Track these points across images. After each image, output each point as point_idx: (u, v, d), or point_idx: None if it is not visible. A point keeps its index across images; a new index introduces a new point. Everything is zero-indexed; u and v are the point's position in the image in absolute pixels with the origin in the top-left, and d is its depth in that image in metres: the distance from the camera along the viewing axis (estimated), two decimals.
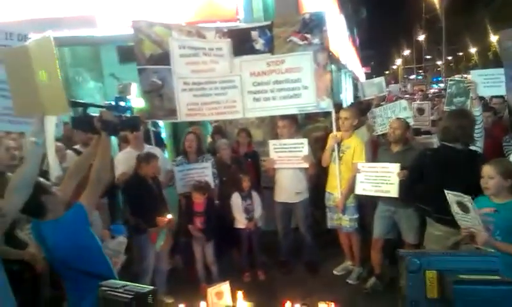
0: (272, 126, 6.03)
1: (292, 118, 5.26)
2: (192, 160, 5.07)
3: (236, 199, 4.98)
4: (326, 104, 4.82)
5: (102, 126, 2.59)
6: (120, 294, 1.03)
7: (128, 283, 1.08)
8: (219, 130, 6.45)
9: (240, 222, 4.96)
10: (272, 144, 5.14)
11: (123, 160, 4.70)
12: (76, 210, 2.53)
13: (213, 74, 4.99)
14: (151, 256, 4.37)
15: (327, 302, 3.82)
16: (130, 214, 4.53)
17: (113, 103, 2.71)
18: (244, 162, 5.47)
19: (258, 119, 6.43)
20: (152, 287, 1.06)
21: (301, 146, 4.96)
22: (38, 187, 2.39)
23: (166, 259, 4.66)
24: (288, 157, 5.02)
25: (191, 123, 6.57)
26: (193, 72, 5.01)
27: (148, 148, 4.89)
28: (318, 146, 5.51)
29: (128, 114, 2.75)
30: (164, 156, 5.36)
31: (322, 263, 5.22)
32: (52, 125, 2.39)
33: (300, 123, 6.23)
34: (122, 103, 2.70)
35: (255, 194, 5.05)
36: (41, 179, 2.48)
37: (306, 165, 4.97)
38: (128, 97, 2.77)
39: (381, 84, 6.32)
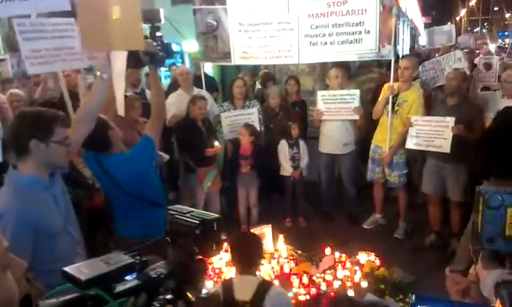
0: (324, 74, 5.87)
1: (345, 67, 5.09)
2: (239, 106, 5.11)
3: (283, 147, 5.01)
4: (387, 51, 4.49)
5: (150, 59, 2.53)
6: (186, 219, 1.09)
7: (193, 209, 1.14)
8: (270, 77, 6.37)
9: (286, 169, 5.02)
10: (321, 94, 5.02)
11: (174, 102, 4.82)
12: (146, 140, 2.67)
13: (269, 14, 4.74)
14: (199, 195, 4.57)
15: (367, 251, 3.90)
16: (180, 154, 4.72)
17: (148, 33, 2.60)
18: (291, 111, 5.45)
19: (309, 66, 6.28)
20: (217, 215, 1.11)
21: (353, 97, 4.82)
22: (105, 123, 2.51)
23: (217, 201, 4.83)
24: (337, 108, 4.91)
25: (238, 69, 6.56)
26: (249, 12, 4.82)
27: (197, 91, 4.98)
28: (369, 97, 5.35)
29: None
30: (213, 101, 5.42)
31: (364, 216, 5.22)
32: (122, 61, 2.44)
33: (353, 73, 6.01)
34: (158, 33, 2.58)
35: (302, 143, 5.06)
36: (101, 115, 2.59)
37: (356, 117, 4.86)
38: (159, 24, 2.65)
39: (451, 32, 5.90)
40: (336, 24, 4.52)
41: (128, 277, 1.01)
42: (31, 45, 3.52)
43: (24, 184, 1.94)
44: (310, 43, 4.67)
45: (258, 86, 6.76)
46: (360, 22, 4.43)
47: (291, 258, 3.88)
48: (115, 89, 2.60)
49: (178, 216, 1.10)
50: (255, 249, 2.55)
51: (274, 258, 3.85)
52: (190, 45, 5.25)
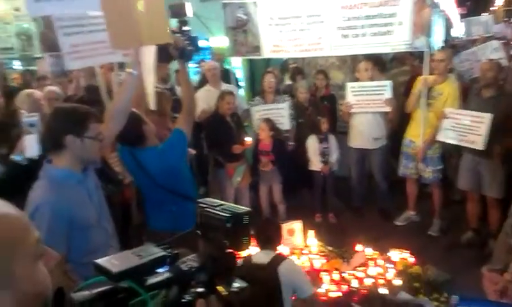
0: (354, 68, 5.76)
1: (376, 60, 4.97)
2: (269, 100, 5.08)
3: (312, 142, 4.95)
4: (421, 43, 4.33)
5: (179, 54, 2.52)
6: (217, 212, 1.08)
7: (224, 202, 1.13)
8: (299, 71, 6.31)
9: (315, 164, 4.96)
10: (350, 86, 4.92)
11: (203, 97, 4.85)
12: (178, 134, 2.72)
13: (299, 7, 4.67)
14: (228, 190, 4.59)
15: (400, 249, 3.80)
16: (209, 151, 4.74)
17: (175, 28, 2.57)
18: (320, 105, 5.37)
19: (339, 60, 6.18)
20: (248, 208, 1.09)
21: (384, 89, 4.70)
22: (138, 117, 2.56)
23: (247, 196, 4.84)
24: (367, 101, 4.80)
25: (268, 64, 6.53)
26: (279, 5, 4.76)
27: (225, 87, 5.00)
28: (402, 90, 5.21)
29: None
30: (241, 95, 5.42)
31: (396, 212, 5.08)
32: (151, 55, 2.44)
33: (387, 67, 5.86)
34: (186, 28, 2.53)
35: (332, 138, 4.98)
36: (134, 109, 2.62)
37: (388, 108, 4.73)
38: (186, 18, 2.61)
39: (488, 22, 5.66)
40: (368, 16, 4.42)
41: (159, 270, 1.01)
42: (71, 40, 3.49)
43: (59, 178, 1.98)
44: (342, 35, 4.58)
45: (287, 80, 6.70)
46: (393, 13, 4.31)
47: (321, 254, 3.85)
48: (145, 84, 2.62)
49: (208, 209, 1.09)
50: (273, 230, 2.93)
51: (304, 254, 3.83)
52: (218, 41, 5.25)
